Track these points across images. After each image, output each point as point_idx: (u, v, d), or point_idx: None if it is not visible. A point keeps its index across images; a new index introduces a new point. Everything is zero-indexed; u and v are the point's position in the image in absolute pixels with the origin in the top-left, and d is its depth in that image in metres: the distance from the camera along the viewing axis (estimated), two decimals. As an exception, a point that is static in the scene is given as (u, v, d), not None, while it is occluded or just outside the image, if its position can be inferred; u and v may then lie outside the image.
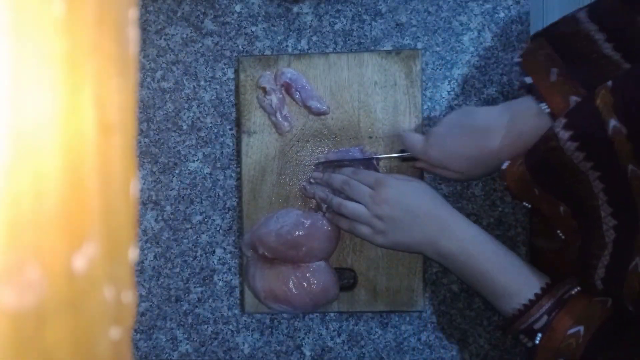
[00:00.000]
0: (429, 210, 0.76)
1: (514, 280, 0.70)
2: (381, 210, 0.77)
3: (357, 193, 0.79)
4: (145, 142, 0.90)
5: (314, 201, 0.86)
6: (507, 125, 0.73)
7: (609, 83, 0.59)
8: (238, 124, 0.89)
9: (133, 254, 0.30)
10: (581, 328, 0.63)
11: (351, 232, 0.81)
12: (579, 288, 0.67)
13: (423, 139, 0.78)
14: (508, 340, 0.86)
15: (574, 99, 0.67)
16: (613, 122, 0.58)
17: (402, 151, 0.83)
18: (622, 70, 0.65)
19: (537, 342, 0.66)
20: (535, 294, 0.68)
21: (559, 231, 0.74)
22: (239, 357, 0.89)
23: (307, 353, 0.89)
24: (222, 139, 0.90)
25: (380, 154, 0.85)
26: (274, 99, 0.85)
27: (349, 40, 0.89)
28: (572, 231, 0.70)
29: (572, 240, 0.71)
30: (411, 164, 0.84)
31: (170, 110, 0.90)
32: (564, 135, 0.63)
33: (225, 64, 0.90)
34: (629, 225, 0.60)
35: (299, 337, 0.89)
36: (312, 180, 0.86)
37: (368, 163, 0.84)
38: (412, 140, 0.79)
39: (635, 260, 0.58)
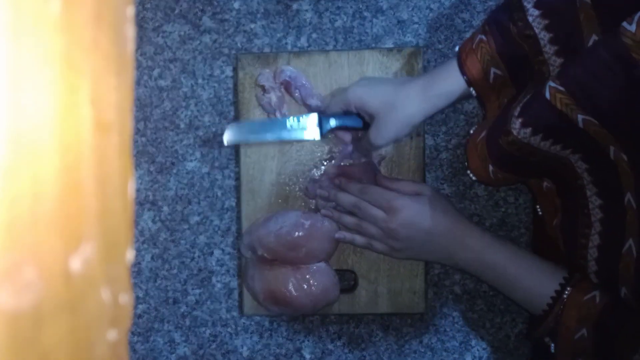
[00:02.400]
0: (443, 227, 0.76)
1: (534, 284, 0.70)
2: (395, 234, 0.77)
3: (370, 217, 0.78)
4: (142, 141, 0.89)
5: (314, 201, 0.85)
6: (424, 81, 0.73)
7: (555, 82, 0.58)
8: (237, 122, 0.88)
9: (130, 255, 0.30)
10: (584, 330, 0.64)
11: (367, 248, 0.81)
12: (569, 289, 0.67)
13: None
14: (511, 342, 0.85)
15: (493, 71, 0.70)
16: (581, 117, 0.57)
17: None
18: (549, 63, 0.65)
19: (552, 351, 0.67)
20: (555, 291, 0.68)
21: (537, 206, 0.76)
22: None
23: (307, 356, 0.88)
24: (220, 138, 0.88)
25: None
26: (273, 97, 0.84)
27: (349, 37, 0.87)
28: (552, 208, 0.71)
29: (549, 218, 0.72)
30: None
31: (168, 109, 0.89)
32: (525, 132, 0.62)
33: (223, 62, 0.89)
34: (615, 206, 0.60)
35: (299, 339, 0.88)
36: (318, 195, 0.85)
37: (371, 165, 0.83)
38: (334, 94, 0.80)
39: (629, 242, 0.58)
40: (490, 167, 0.71)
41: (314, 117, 0.79)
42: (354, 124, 0.79)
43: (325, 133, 0.80)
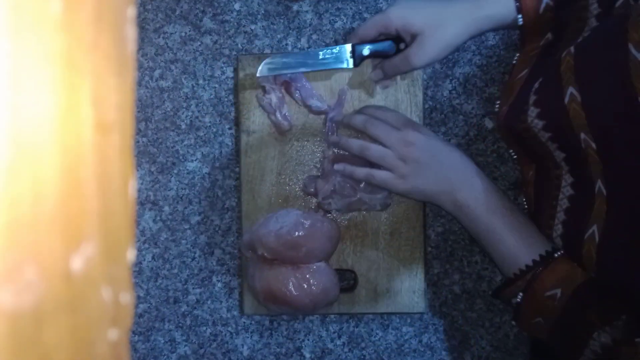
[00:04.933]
0: (455, 159, 0.75)
1: (521, 241, 0.70)
2: (408, 152, 0.74)
3: (383, 131, 0.76)
4: (143, 142, 0.89)
5: (314, 201, 0.86)
6: (473, 1, 0.72)
7: (572, 49, 0.61)
8: (237, 123, 0.88)
9: (131, 254, 0.30)
10: (558, 291, 0.64)
11: (368, 179, 0.78)
12: (562, 251, 0.68)
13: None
14: (510, 342, 0.85)
15: (545, 1, 0.69)
16: (570, 90, 0.59)
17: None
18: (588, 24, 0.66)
19: (519, 300, 0.68)
20: (533, 261, 0.68)
21: (524, 199, 0.76)
22: (238, 359, 0.89)
23: (307, 355, 0.88)
24: (221, 139, 0.89)
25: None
26: (273, 97, 0.84)
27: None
28: (530, 200, 0.73)
29: (530, 209, 0.74)
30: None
31: (169, 110, 0.89)
32: (538, 123, 0.65)
33: (224, 63, 0.89)
34: (585, 194, 0.61)
35: (299, 338, 0.88)
36: (330, 141, 0.83)
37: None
38: (370, 17, 0.77)
39: (592, 228, 0.59)
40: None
41: (348, 47, 0.78)
42: (387, 49, 0.77)
43: (358, 62, 0.79)
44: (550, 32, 0.72)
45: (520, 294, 0.68)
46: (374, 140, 0.77)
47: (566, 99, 0.60)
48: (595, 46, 0.59)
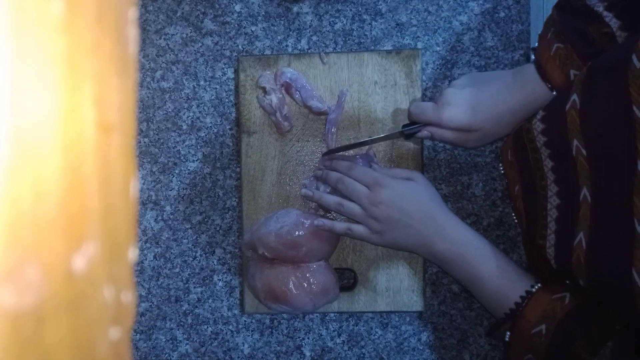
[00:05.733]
0: (425, 214, 0.76)
1: (504, 285, 0.70)
2: (377, 212, 0.76)
3: (353, 192, 0.78)
4: (145, 142, 0.90)
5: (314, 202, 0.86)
6: (520, 84, 0.74)
7: (589, 64, 0.62)
8: (238, 123, 0.89)
9: (132, 254, 0.30)
10: (543, 327, 0.64)
11: (347, 234, 0.80)
12: (539, 285, 0.68)
13: (432, 103, 0.77)
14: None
15: (573, 72, 0.70)
16: (573, 97, 0.60)
17: (404, 126, 0.81)
18: (615, 42, 0.67)
19: (507, 339, 0.68)
20: (515, 303, 0.69)
21: (513, 214, 0.76)
22: (238, 357, 0.89)
23: (307, 353, 0.88)
24: (222, 139, 0.89)
25: (380, 134, 0.84)
26: (273, 98, 0.85)
27: (349, 40, 0.88)
28: (521, 213, 0.73)
29: (521, 223, 0.73)
30: (415, 139, 0.84)
31: (170, 110, 0.90)
32: (540, 140, 0.67)
33: (225, 64, 0.90)
34: (571, 203, 0.62)
35: (299, 337, 0.89)
36: (313, 176, 0.86)
37: (367, 157, 0.84)
38: (423, 107, 0.78)
39: (579, 235, 0.60)
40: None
41: (397, 134, 0.83)
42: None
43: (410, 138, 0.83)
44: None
45: (508, 333, 0.68)
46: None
47: (567, 105, 0.61)
48: (604, 58, 0.60)
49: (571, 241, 0.61)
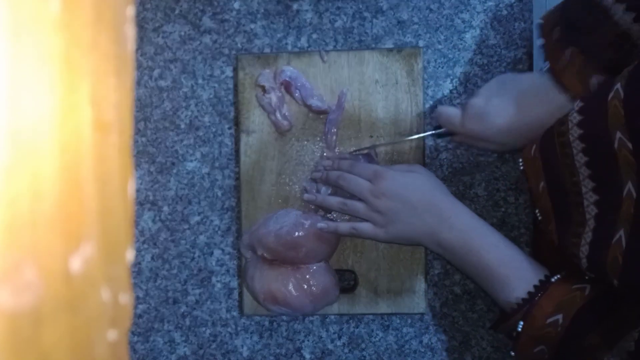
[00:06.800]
0: (429, 202, 0.74)
1: (513, 274, 0.69)
2: (380, 204, 0.75)
3: (355, 187, 0.78)
4: (142, 142, 0.89)
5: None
6: (545, 97, 0.71)
7: (626, 72, 0.58)
8: (237, 123, 0.88)
9: (130, 255, 0.30)
10: (560, 316, 0.63)
11: (352, 234, 0.79)
12: (559, 275, 0.67)
13: (460, 112, 0.76)
14: (510, 343, 0.85)
15: (594, 79, 0.67)
16: (617, 86, 0.57)
17: (435, 128, 0.81)
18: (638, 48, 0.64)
19: (519, 329, 0.66)
20: (528, 293, 0.67)
21: (537, 211, 0.74)
22: (237, 359, 0.88)
23: (307, 356, 0.88)
24: (220, 138, 0.88)
25: (408, 136, 0.84)
26: (273, 97, 0.84)
27: (349, 37, 0.88)
28: (547, 211, 0.70)
29: (547, 221, 0.71)
30: (443, 140, 0.85)
31: (168, 109, 0.89)
32: (575, 132, 0.63)
33: (223, 62, 0.89)
34: (611, 199, 0.60)
35: (299, 339, 0.88)
36: (311, 178, 0.85)
37: (368, 156, 0.83)
38: (449, 114, 0.77)
39: (620, 233, 0.58)
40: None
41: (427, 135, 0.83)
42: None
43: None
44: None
45: (521, 322, 0.67)
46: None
47: (610, 95, 0.58)
48: None
49: (609, 239, 0.59)
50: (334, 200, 0.80)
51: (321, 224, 0.80)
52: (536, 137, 0.72)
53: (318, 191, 0.84)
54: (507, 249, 0.71)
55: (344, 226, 0.79)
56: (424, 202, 0.74)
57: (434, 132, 0.81)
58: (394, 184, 0.76)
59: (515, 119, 0.72)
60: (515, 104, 0.72)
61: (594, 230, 0.62)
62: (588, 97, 0.64)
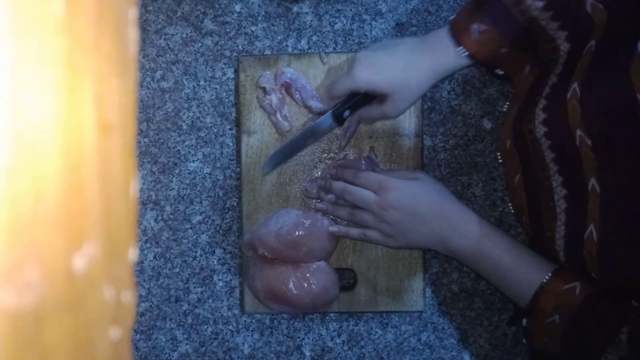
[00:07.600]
0: (437, 211, 0.75)
1: (526, 277, 0.70)
2: (388, 216, 0.76)
3: (361, 201, 0.78)
4: (145, 142, 0.90)
5: (314, 201, 0.86)
6: (431, 59, 0.74)
7: (587, 48, 0.60)
8: (238, 123, 0.89)
9: (133, 254, 0.30)
10: (556, 317, 0.64)
11: (362, 239, 0.80)
12: (549, 275, 0.67)
13: (349, 73, 0.77)
14: (508, 340, 0.86)
15: (502, 50, 0.70)
16: (574, 85, 0.59)
17: (341, 103, 0.81)
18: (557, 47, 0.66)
19: (524, 324, 0.69)
20: (541, 283, 0.68)
21: (510, 204, 0.76)
22: (238, 357, 0.89)
23: (307, 353, 0.88)
24: (222, 139, 0.89)
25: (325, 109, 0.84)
26: (273, 98, 0.85)
27: (349, 39, 0.88)
28: (521, 204, 0.72)
29: (520, 214, 0.73)
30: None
31: (170, 110, 0.90)
32: (544, 142, 0.65)
33: (225, 64, 0.90)
34: (579, 194, 0.61)
35: (299, 337, 0.89)
36: (317, 186, 0.86)
37: (369, 160, 0.84)
38: (338, 78, 0.78)
39: (590, 228, 0.59)
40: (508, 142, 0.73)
41: (329, 115, 0.81)
42: (362, 104, 0.80)
43: (342, 121, 0.82)
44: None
45: (524, 319, 0.68)
46: None
47: (568, 94, 0.60)
48: (604, 45, 0.60)
49: (581, 233, 0.60)
50: (344, 211, 0.81)
51: (333, 228, 0.81)
52: (414, 94, 0.76)
53: (324, 198, 0.85)
54: (517, 251, 0.72)
55: (354, 232, 0.80)
56: (432, 212, 0.75)
57: (336, 106, 0.81)
58: (400, 195, 0.76)
59: (397, 67, 0.75)
60: (399, 56, 0.75)
61: (565, 224, 0.64)
62: (551, 94, 0.66)
